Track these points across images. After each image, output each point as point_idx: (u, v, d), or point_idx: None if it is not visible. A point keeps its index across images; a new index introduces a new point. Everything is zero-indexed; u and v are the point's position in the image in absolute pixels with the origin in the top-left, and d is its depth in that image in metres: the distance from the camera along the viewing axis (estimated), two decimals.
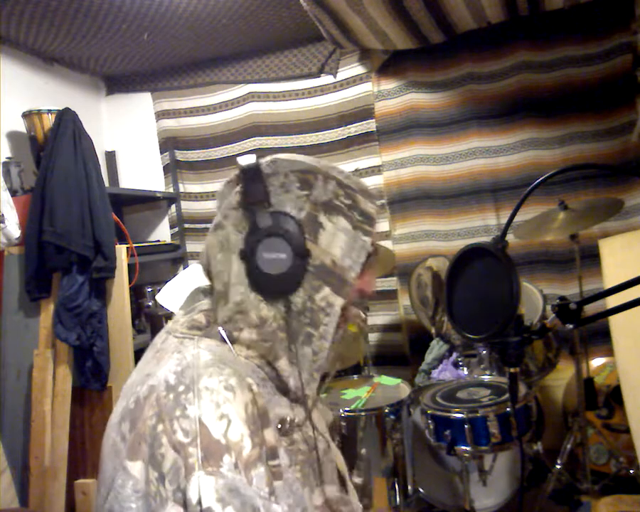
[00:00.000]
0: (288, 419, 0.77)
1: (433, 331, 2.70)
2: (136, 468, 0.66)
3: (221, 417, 0.67)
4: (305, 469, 0.76)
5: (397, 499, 2.15)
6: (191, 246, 3.49)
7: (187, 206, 3.49)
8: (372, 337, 3.15)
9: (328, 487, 0.79)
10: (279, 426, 0.75)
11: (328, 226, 0.78)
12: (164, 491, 0.64)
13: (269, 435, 0.71)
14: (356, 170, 3.16)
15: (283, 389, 0.79)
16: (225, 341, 0.77)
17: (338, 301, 0.79)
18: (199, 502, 0.62)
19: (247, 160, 0.80)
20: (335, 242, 0.78)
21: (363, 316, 0.86)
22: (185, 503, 0.63)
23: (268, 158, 0.82)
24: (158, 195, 3.33)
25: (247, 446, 0.66)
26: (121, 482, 0.67)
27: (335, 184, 0.80)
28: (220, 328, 0.77)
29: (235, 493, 0.63)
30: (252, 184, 0.77)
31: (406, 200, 3.09)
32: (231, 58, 3.29)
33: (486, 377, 2.23)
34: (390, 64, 3.05)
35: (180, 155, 3.47)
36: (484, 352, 2.39)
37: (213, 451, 0.65)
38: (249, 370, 0.76)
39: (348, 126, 3.15)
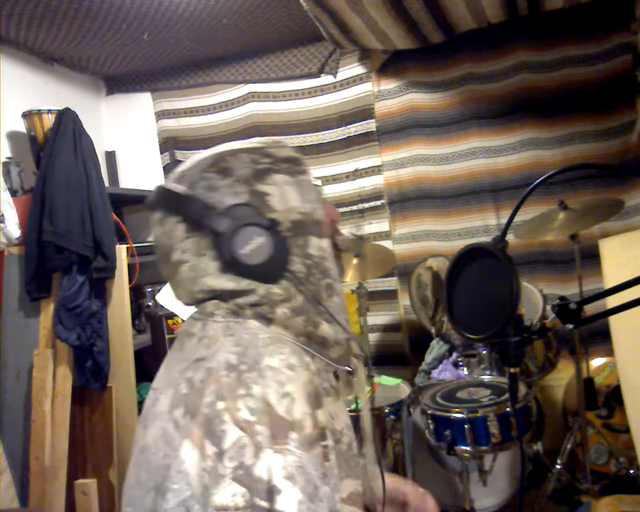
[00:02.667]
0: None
1: (433, 331, 2.70)
2: (184, 449, 0.64)
3: (285, 395, 0.66)
4: (338, 458, 0.76)
5: None
6: None
7: None
8: (372, 337, 3.15)
9: (351, 481, 0.78)
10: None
11: (271, 190, 0.78)
12: (222, 467, 0.62)
13: (321, 416, 0.70)
14: (356, 170, 3.17)
15: (326, 362, 0.79)
16: (264, 323, 0.76)
17: (325, 242, 0.81)
18: (268, 480, 0.61)
19: (155, 194, 0.80)
20: (287, 197, 0.79)
21: (349, 236, 0.89)
22: (249, 481, 0.61)
23: (172, 178, 0.81)
24: None
25: (308, 426, 0.66)
26: (172, 466, 0.64)
27: (245, 155, 0.80)
28: (254, 311, 0.76)
29: (301, 471, 0.63)
30: (186, 205, 0.77)
31: (406, 200, 3.09)
32: (231, 58, 3.29)
33: (486, 377, 2.23)
34: (390, 64, 3.05)
35: (181, 155, 3.47)
36: (484, 352, 2.39)
37: (280, 429, 0.64)
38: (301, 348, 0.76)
39: (348, 126, 3.15)
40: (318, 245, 0.80)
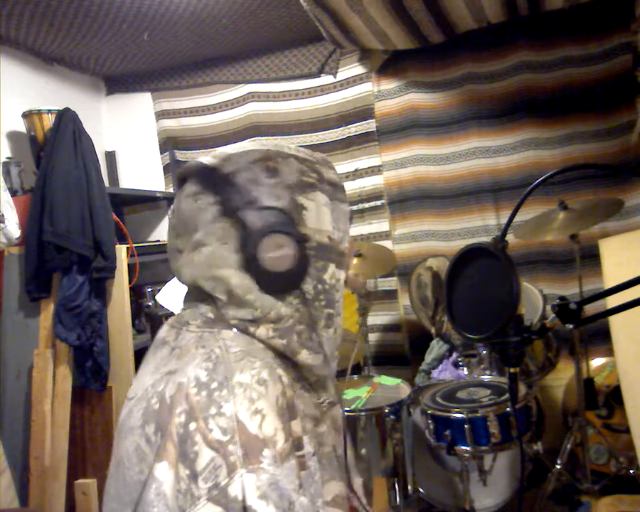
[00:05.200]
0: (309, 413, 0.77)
1: (433, 331, 2.70)
2: (160, 469, 0.64)
3: (256, 412, 0.66)
4: (322, 461, 0.76)
5: (397, 499, 2.15)
6: None
7: None
8: (372, 337, 3.15)
9: (336, 483, 0.79)
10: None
11: (310, 205, 0.77)
12: (196, 489, 0.62)
13: (296, 426, 0.70)
14: (356, 170, 3.17)
15: (303, 378, 0.79)
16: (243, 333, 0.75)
17: (343, 274, 0.80)
18: (243, 500, 0.61)
19: (195, 166, 0.77)
20: (321, 218, 0.78)
21: (361, 280, 0.89)
22: (225, 501, 0.62)
23: (215, 157, 0.79)
24: (158, 195, 3.32)
25: (280, 440, 0.66)
26: (149, 486, 0.65)
27: (295, 161, 0.78)
28: (233, 328, 0.75)
29: (274, 487, 0.63)
30: (226, 190, 0.75)
31: (406, 200, 3.09)
32: (231, 58, 3.29)
33: (486, 377, 2.23)
34: (390, 64, 3.05)
35: (181, 155, 3.47)
36: (484, 352, 2.39)
37: (253, 447, 0.64)
38: (275, 360, 0.75)
39: (348, 126, 3.15)
40: (335, 275, 0.79)
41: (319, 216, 0.78)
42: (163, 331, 0.81)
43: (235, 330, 0.75)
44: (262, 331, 0.75)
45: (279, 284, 0.75)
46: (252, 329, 0.75)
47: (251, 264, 0.74)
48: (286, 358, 0.76)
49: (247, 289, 0.74)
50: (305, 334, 0.77)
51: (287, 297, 0.75)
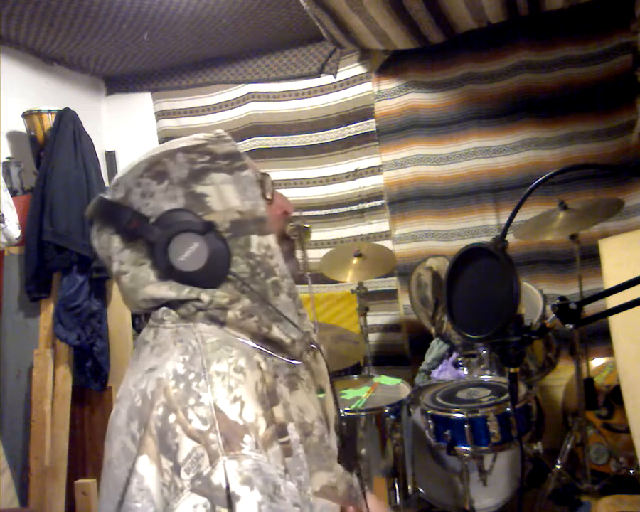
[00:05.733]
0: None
1: (433, 331, 2.70)
2: (141, 464, 0.64)
3: (234, 400, 0.66)
4: (309, 451, 0.76)
5: (397, 499, 2.15)
6: None
7: None
8: (372, 337, 3.15)
9: (324, 474, 0.78)
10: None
11: (208, 190, 0.77)
12: (179, 480, 0.62)
13: (278, 412, 0.71)
14: (356, 170, 3.17)
15: (283, 355, 0.79)
16: (216, 325, 0.75)
17: (270, 239, 0.79)
18: (227, 487, 0.61)
19: (93, 205, 0.79)
20: (225, 197, 0.77)
21: (304, 224, 0.86)
22: (208, 490, 0.62)
23: (109, 187, 0.80)
24: None
25: (262, 426, 0.66)
26: (131, 481, 0.65)
27: (182, 155, 0.78)
28: (205, 320, 0.75)
29: (258, 472, 0.63)
30: (122, 216, 0.75)
31: (406, 200, 3.09)
32: (231, 58, 3.29)
33: (486, 377, 2.23)
34: (390, 64, 3.05)
35: None
36: (484, 352, 2.39)
37: (233, 434, 0.64)
38: (251, 348, 0.75)
39: (348, 126, 3.15)
40: (261, 243, 0.78)
41: (221, 196, 0.77)
42: (144, 331, 0.81)
43: (207, 321, 0.75)
44: (231, 314, 0.75)
45: (207, 279, 0.75)
46: (221, 318, 0.75)
47: (170, 274, 0.74)
48: (264, 341, 0.77)
49: (180, 289, 0.74)
50: (262, 310, 0.77)
51: (225, 285, 0.76)
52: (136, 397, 0.70)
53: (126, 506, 0.65)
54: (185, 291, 0.74)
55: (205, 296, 0.74)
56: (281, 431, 0.70)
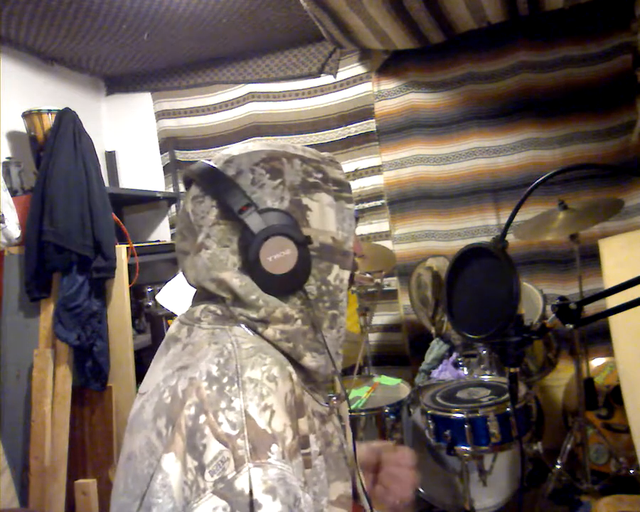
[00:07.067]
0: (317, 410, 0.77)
1: (433, 331, 2.70)
2: (167, 460, 0.64)
3: (265, 408, 0.66)
4: (328, 461, 0.76)
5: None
6: None
7: None
8: (372, 337, 3.15)
9: (341, 483, 0.79)
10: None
11: (313, 206, 0.77)
12: (202, 481, 0.62)
13: (303, 424, 0.71)
14: (356, 170, 3.17)
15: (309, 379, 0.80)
16: (252, 331, 0.75)
17: (346, 275, 0.80)
18: (249, 494, 0.61)
19: (197, 168, 0.78)
20: (326, 219, 0.78)
21: (369, 276, 0.89)
22: (230, 495, 0.61)
23: (218, 159, 0.79)
24: (158, 195, 3.33)
25: (289, 437, 0.66)
26: (155, 477, 0.65)
27: (299, 162, 0.79)
28: (242, 325, 0.76)
29: (282, 482, 0.63)
30: (227, 192, 0.75)
31: (406, 200, 3.09)
32: (231, 58, 3.29)
33: (486, 377, 2.23)
34: (390, 64, 3.05)
35: (181, 155, 3.47)
36: (484, 352, 2.39)
37: (261, 442, 0.64)
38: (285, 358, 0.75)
39: (348, 126, 3.16)
40: (338, 275, 0.79)
41: (323, 217, 0.78)
42: (174, 328, 0.81)
43: (244, 327, 0.76)
44: (270, 332, 0.75)
45: (281, 285, 0.75)
46: (260, 329, 0.75)
47: (252, 267, 0.74)
48: (292, 360, 0.77)
49: (249, 290, 0.74)
50: (309, 335, 0.77)
51: (291, 298, 0.76)
52: (165, 393, 0.69)
53: (147, 501, 0.65)
54: (253, 297, 0.74)
55: (267, 307, 0.74)
56: (305, 442, 0.70)
